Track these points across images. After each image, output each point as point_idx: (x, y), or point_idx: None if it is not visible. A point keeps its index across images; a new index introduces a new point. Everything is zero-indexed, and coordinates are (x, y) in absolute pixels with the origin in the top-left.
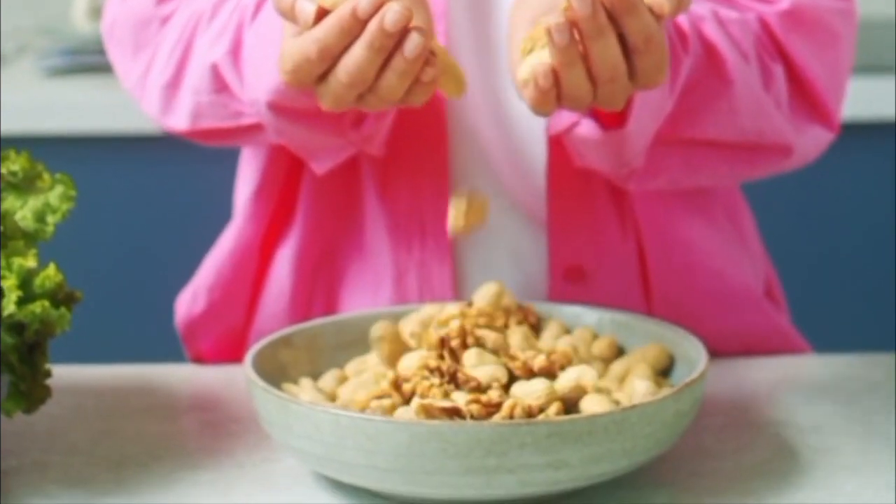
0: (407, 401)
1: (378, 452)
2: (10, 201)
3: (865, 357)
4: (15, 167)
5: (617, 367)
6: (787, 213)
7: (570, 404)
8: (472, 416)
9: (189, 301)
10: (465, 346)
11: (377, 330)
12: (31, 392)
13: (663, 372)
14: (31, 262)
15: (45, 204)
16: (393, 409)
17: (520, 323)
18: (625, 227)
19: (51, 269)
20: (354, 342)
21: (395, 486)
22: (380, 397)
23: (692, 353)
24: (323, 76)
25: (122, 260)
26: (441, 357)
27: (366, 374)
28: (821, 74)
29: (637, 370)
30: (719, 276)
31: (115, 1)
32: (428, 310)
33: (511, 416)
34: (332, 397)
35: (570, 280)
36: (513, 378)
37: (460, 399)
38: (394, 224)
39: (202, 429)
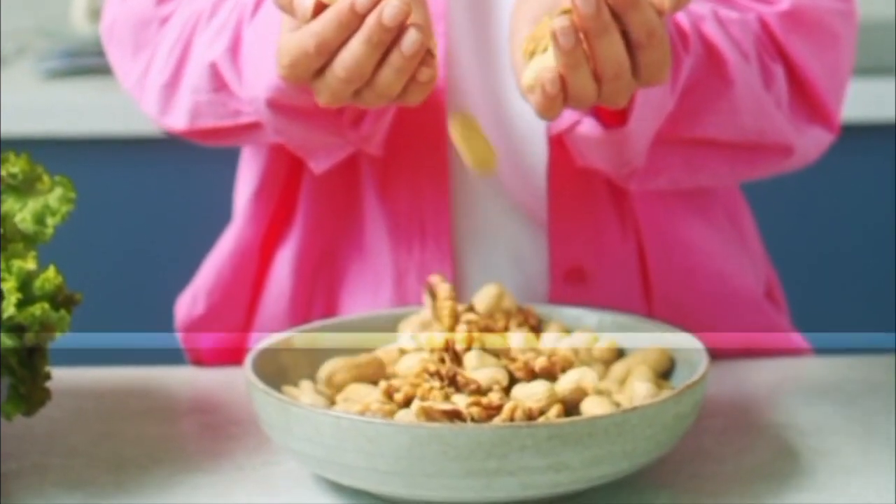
0: (400, 407)
1: (378, 455)
2: (10, 203)
3: (865, 358)
4: (14, 169)
5: (617, 369)
6: (787, 215)
7: (570, 406)
8: (472, 419)
9: (189, 303)
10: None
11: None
12: (31, 395)
13: (664, 374)
14: (30, 265)
15: (44, 206)
16: (393, 412)
17: (520, 325)
18: (625, 228)
19: (50, 272)
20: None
21: (396, 489)
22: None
23: (692, 355)
24: (320, 71)
25: (122, 262)
26: (442, 361)
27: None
28: (821, 75)
29: (637, 372)
30: (720, 278)
31: (115, 1)
32: (428, 312)
33: (512, 419)
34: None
35: (571, 282)
36: (513, 380)
37: (461, 402)
38: (394, 225)
39: (202, 431)
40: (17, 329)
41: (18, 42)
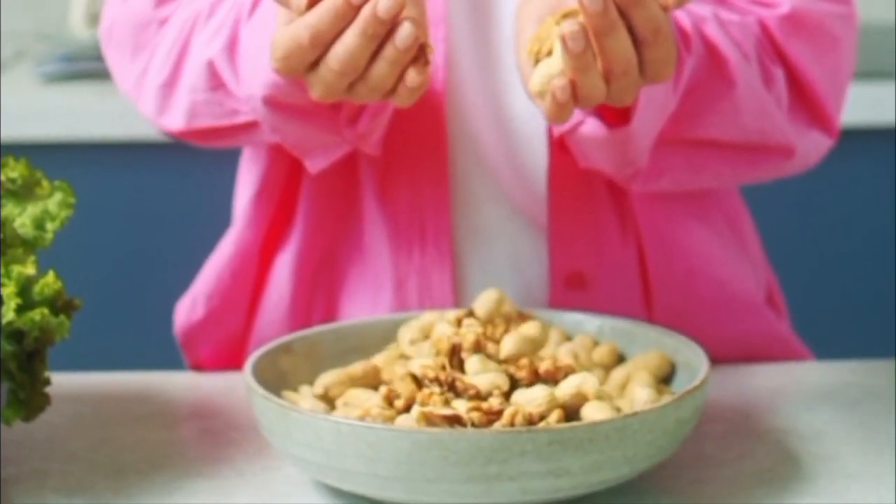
0: (400, 412)
1: (379, 460)
2: (9, 208)
3: (866, 363)
4: (14, 174)
5: (618, 374)
6: (787, 219)
7: (571, 412)
8: (472, 424)
9: (188, 308)
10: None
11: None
12: (31, 400)
13: (664, 379)
14: (30, 270)
15: (44, 211)
16: (393, 417)
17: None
18: (625, 233)
19: (50, 277)
20: (354, 349)
21: (396, 494)
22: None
23: (693, 361)
24: (314, 64)
25: (121, 267)
26: (443, 368)
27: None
28: (821, 79)
29: (638, 377)
30: (720, 283)
31: (114, 3)
32: (428, 317)
33: (512, 424)
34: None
35: (571, 287)
36: (514, 385)
37: (461, 407)
38: (393, 229)
39: (202, 436)
40: (16, 334)
41: (17, 46)
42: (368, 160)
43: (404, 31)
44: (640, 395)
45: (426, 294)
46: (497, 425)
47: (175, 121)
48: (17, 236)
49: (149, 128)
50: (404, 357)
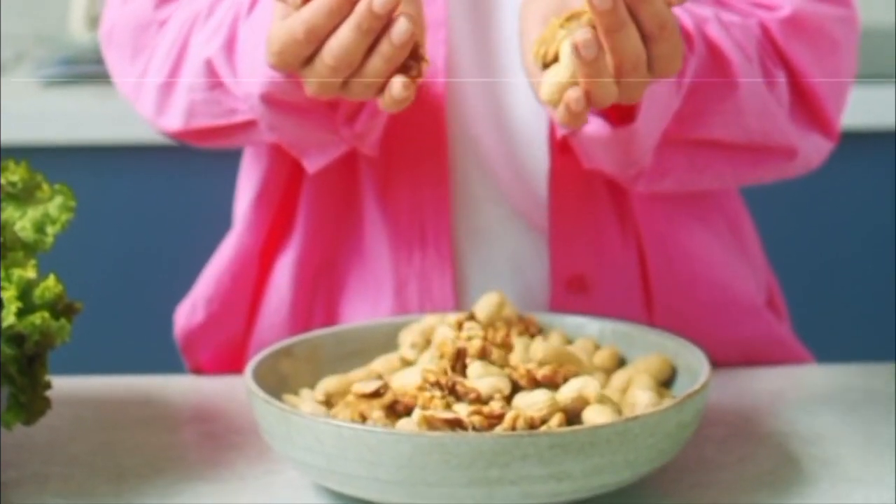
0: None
1: (380, 464)
2: (10, 212)
3: (867, 366)
4: (14, 177)
5: (619, 377)
6: (788, 223)
7: (572, 415)
8: (474, 428)
9: (188, 312)
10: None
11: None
12: (31, 404)
13: (665, 382)
14: (30, 273)
15: (44, 214)
16: (394, 421)
17: (521, 334)
18: (626, 236)
19: (50, 280)
20: (355, 353)
21: (398, 498)
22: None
23: (694, 364)
24: (309, 59)
25: (122, 270)
26: (444, 372)
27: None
28: (821, 82)
29: (639, 381)
30: (720, 286)
31: (114, 6)
32: (429, 320)
33: (513, 428)
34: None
35: (572, 290)
36: (515, 389)
37: (462, 411)
38: (394, 233)
39: (203, 440)
40: (17, 338)
41: (16, 49)
42: (369, 163)
43: (400, 27)
44: (642, 399)
45: (426, 297)
46: (498, 429)
47: (173, 121)
48: (17, 240)
49: (149, 131)
50: (405, 361)
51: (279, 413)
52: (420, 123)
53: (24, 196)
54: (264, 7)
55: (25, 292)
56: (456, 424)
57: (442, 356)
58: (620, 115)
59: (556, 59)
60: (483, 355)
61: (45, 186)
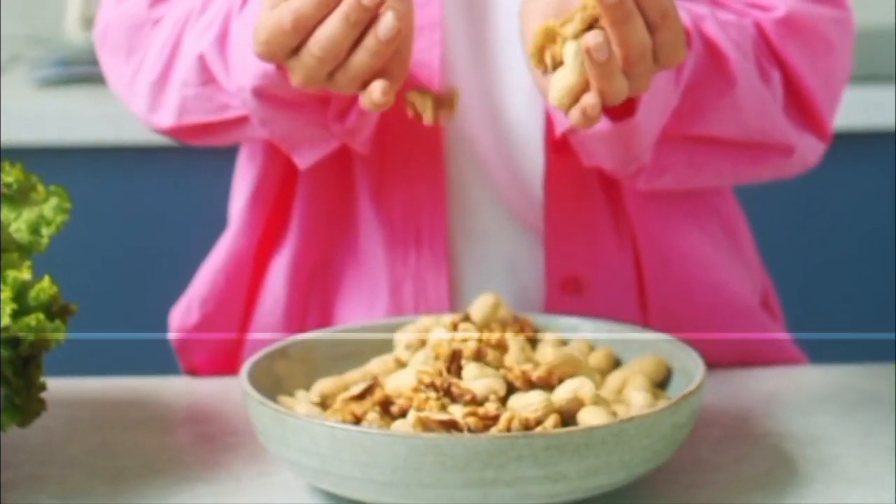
0: (396, 418)
1: (375, 465)
2: (5, 213)
3: (862, 367)
4: (9, 179)
5: (614, 378)
6: (788, 223)
7: (567, 416)
8: (469, 429)
9: (183, 313)
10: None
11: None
12: (26, 405)
13: (660, 383)
14: (25, 275)
15: (39, 216)
16: (389, 422)
17: (516, 335)
18: (621, 237)
19: (45, 282)
20: (350, 354)
21: (393, 500)
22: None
23: (689, 365)
24: (296, 50)
25: (117, 272)
26: (440, 373)
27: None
28: (815, 83)
29: (634, 382)
30: (715, 287)
31: (109, 6)
32: (424, 321)
33: (508, 429)
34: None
35: (567, 291)
36: (510, 390)
37: (457, 412)
38: (389, 234)
39: (198, 441)
40: (12, 340)
41: (11, 50)
42: (364, 163)
43: (386, 22)
44: (637, 400)
45: (422, 298)
46: (494, 430)
47: (165, 117)
48: (12, 241)
49: (144, 132)
50: (400, 362)
51: (274, 414)
52: (415, 124)
53: (19, 197)
54: (256, 3)
55: (20, 294)
56: (451, 426)
57: (437, 357)
58: (620, 110)
59: (560, 63)
60: (478, 357)
61: (40, 188)
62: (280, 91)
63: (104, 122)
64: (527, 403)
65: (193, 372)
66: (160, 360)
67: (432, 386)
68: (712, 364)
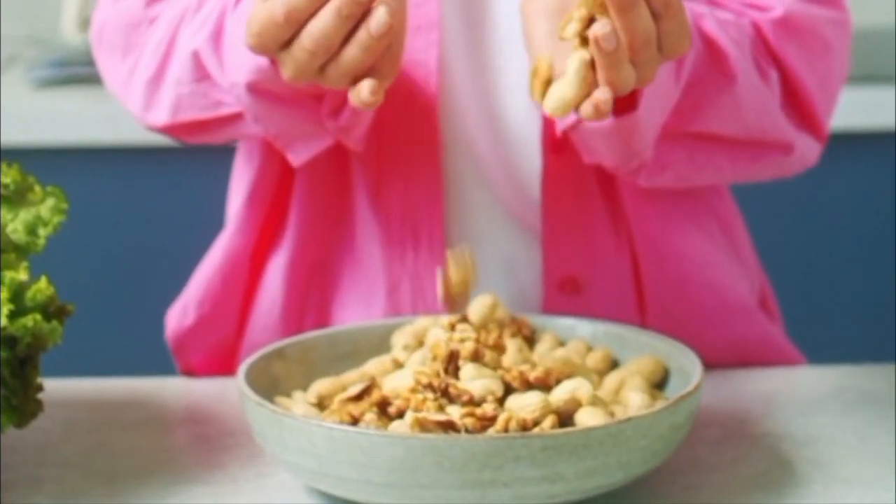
0: (393, 419)
1: (372, 466)
2: (2, 214)
3: (859, 368)
4: (6, 180)
5: (611, 379)
6: (786, 223)
7: (565, 417)
8: (466, 430)
9: (179, 314)
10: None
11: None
12: (23, 406)
13: (658, 384)
14: (22, 276)
15: (36, 217)
16: (386, 423)
17: (513, 335)
18: (619, 238)
19: (42, 283)
20: (348, 355)
21: (390, 501)
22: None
23: (687, 366)
24: (287, 43)
25: (114, 272)
26: (437, 374)
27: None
28: (812, 83)
29: (632, 382)
30: (713, 288)
31: (106, 5)
32: (421, 322)
33: (506, 430)
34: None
35: (565, 291)
36: (508, 391)
37: (455, 413)
38: (386, 234)
39: (195, 442)
40: (8, 340)
41: (8, 51)
42: (361, 163)
43: (378, 17)
44: (634, 401)
45: (420, 298)
46: (491, 431)
47: (160, 115)
48: (9, 242)
49: (141, 132)
50: (397, 363)
51: (271, 415)
52: (413, 124)
53: (16, 198)
54: (251, 0)
55: (17, 294)
56: (448, 427)
57: (435, 358)
58: (622, 105)
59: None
60: (476, 357)
61: (37, 188)
62: (274, 87)
63: (101, 123)
64: (524, 404)
65: (190, 373)
66: (157, 361)
67: (430, 387)
68: (710, 364)
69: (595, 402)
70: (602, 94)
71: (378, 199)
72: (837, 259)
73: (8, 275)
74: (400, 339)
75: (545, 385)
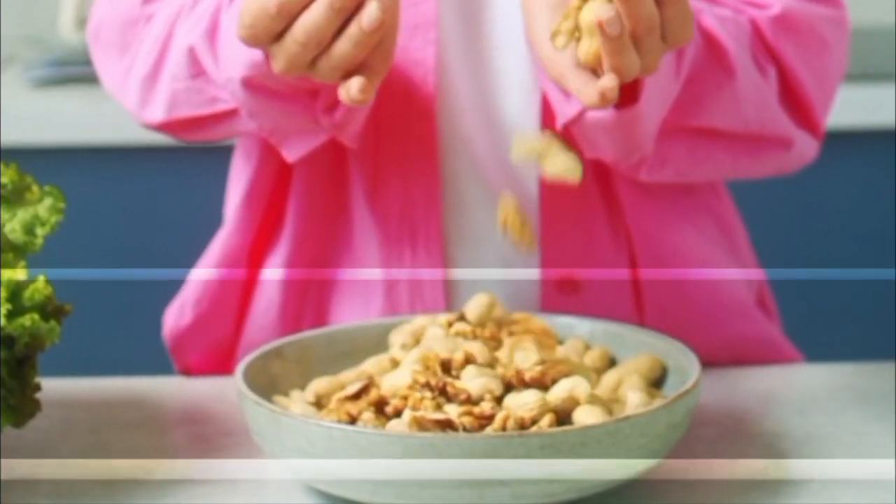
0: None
1: (370, 465)
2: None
3: (858, 366)
4: (4, 179)
5: (609, 377)
6: (785, 221)
7: (562, 415)
8: (464, 429)
9: (176, 313)
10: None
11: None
12: (21, 406)
13: (656, 383)
14: (20, 275)
15: (34, 216)
16: (384, 422)
17: (511, 335)
18: (617, 236)
19: (40, 282)
20: (346, 354)
21: (388, 500)
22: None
23: (684, 364)
24: (279, 35)
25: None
26: (435, 373)
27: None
28: (809, 81)
29: (629, 381)
30: (711, 286)
31: (103, 3)
32: (419, 320)
33: (504, 428)
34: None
35: (562, 290)
36: (506, 389)
37: (453, 411)
38: (384, 233)
39: (194, 442)
40: (6, 340)
41: (6, 51)
42: (359, 162)
43: (370, 11)
44: (632, 399)
45: (417, 297)
46: (489, 429)
47: (156, 112)
48: (7, 241)
49: (139, 132)
50: (395, 362)
51: (269, 414)
52: (410, 123)
53: (13, 198)
54: None
55: (15, 294)
56: (446, 425)
57: (427, 368)
58: (624, 98)
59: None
60: (468, 362)
61: (35, 188)
62: (269, 82)
63: (99, 123)
64: (522, 403)
65: (188, 372)
66: (155, 360)
67: (427, 385)
68: (708, 363)
69: (593, 400)
70: (608, 81)
71: (375, 197)
72: (837, 257)
73: (6, 274)
74: (398, 338)
75: (542, 384)
